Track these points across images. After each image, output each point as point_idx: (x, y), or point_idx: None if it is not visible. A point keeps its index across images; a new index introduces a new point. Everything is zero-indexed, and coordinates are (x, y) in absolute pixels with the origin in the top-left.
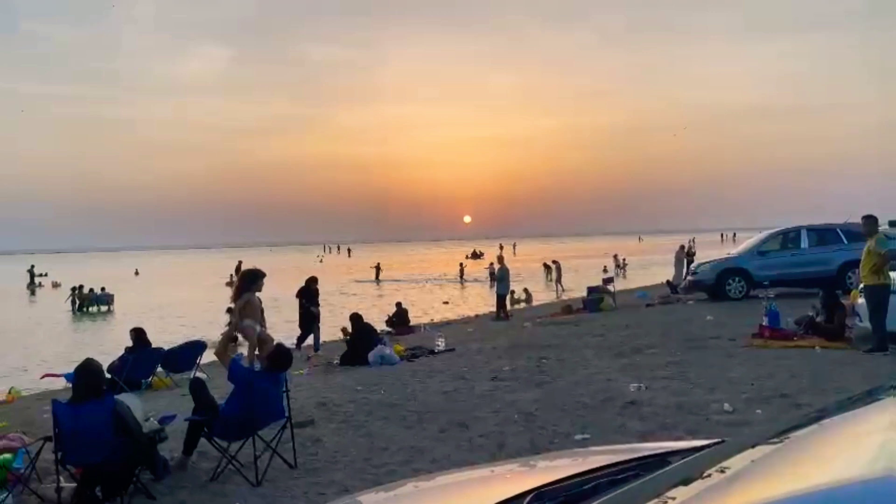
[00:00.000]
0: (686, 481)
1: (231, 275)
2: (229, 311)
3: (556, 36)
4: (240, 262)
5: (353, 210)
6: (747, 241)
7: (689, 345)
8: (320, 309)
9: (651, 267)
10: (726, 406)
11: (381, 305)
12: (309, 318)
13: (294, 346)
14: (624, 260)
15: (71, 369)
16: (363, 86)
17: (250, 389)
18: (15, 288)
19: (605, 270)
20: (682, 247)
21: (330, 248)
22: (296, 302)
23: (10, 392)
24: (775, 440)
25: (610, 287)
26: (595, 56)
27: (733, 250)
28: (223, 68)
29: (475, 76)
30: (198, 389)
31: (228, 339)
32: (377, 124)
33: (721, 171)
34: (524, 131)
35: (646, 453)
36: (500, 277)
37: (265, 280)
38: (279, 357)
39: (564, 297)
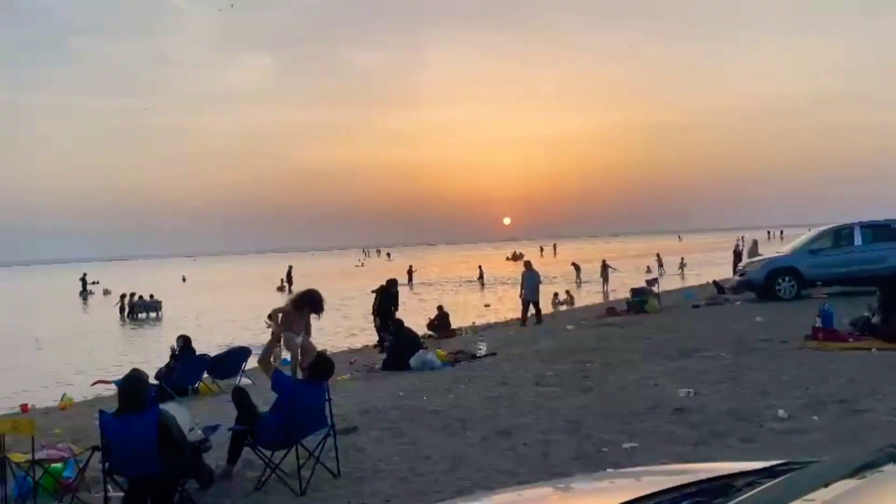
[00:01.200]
0: None
1: (282, 279)
2: (270, 317)
3: (596, 34)
4: (290, 268)
5: (394, 213)
6: (797, 239)
7: (739, 347)
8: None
9: (695, 266)
10: (781, 412)
11: (418, 309)
12: (386, 321)
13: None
14: (682, 259)
15: (120, 376)
16: (403, 89)
17: (293, 399)
18: (68, 296)
19: (648, 270)
20: (755, 241)
21: (369, 252)
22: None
23: (62, 399)
24: (859, 476)
25: (654, 288)
26: (638, 54)
27: (783, 248)
28: (268, 76)
29: (516, 76)
30: (240, 398)
31: (271, 348)
32: (417, 127)
33: (765, 166)
34: (563, 131)
35: (704, 476)
36: (528, 282)
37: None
38: (321, 366)
39: (609, 299)
